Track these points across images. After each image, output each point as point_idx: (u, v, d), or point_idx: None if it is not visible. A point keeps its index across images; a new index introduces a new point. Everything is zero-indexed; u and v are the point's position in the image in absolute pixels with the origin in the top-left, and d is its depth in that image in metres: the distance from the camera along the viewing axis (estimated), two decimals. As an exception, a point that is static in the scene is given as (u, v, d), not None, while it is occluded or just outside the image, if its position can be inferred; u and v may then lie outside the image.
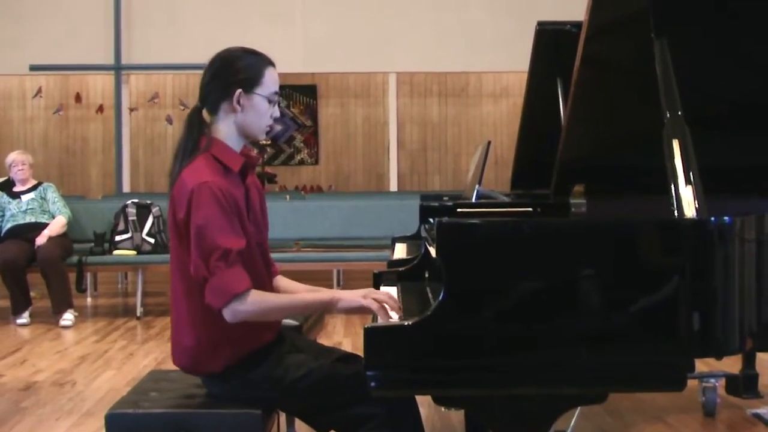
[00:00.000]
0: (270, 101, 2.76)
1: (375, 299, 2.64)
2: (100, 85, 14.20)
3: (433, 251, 2.65)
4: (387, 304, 2.64)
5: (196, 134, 2.74)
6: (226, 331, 2.66)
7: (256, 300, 2.60)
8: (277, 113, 2.81)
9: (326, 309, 2.77)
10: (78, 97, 14.39)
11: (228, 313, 2.58)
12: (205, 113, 2.79)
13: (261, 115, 2.76)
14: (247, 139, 2.81)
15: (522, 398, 2.39)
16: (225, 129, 2.76)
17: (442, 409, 4.37)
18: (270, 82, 2.76)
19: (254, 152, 2.91)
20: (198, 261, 2.57)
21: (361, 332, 2.36)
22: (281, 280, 3.01)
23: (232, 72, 2.73)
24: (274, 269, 3.00)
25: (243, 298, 2.57)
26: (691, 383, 3.11)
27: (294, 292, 2.96)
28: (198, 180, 2.60)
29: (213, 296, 2.57)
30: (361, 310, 2.68)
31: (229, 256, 2.56)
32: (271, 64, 2.79)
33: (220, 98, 2.74)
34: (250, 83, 2.73)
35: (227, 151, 2.74)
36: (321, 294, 2.79)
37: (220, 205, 2.59)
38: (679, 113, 2.63)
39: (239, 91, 2.71)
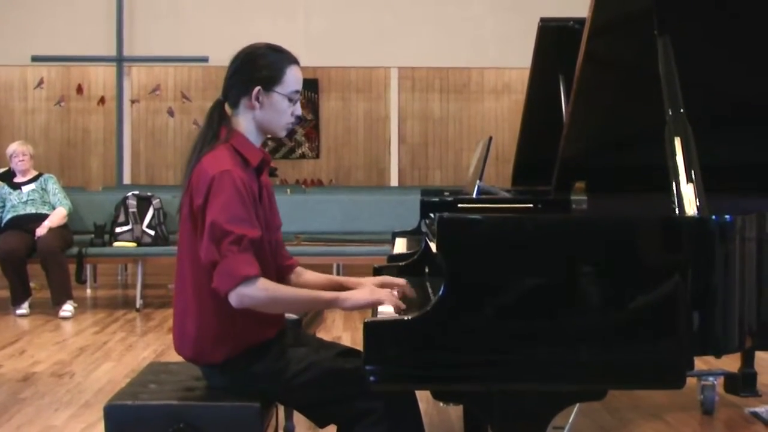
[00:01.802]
0: (290, 100, 2.76)
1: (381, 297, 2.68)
2: (101, 77, 14.20)
3: (433, 246, 2.65)
4: (390, 302, 2.67)
5: (216, 126, 2.76)
6: (231, 322, 2.67)
7: (265, 287, 2.59)
8: (299, 111, 2.80)
9: (333, 307, 2.76)
10: (79, 89, 14.38)
11: (234, 298, 2.56)
12: (227, 107, 2.81)
13: (280, 113, 2.76)
14: (266, 135, 2.83)
15: (521, 394, 2.39)
16: (244, 124, 2.77)
17: (441, 404, 4.37)
18: (291, 80, 2.76)
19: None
20: (209, 245, 2.56)
21: (361, 327, 2.37)
22: (300, 272, 3.03)
23: (254, 69, 2.74)
24: (291, 262, 3.02)
25: (251, 283, 2.55)
26: (690, 381, 3.12)
27: (312, 284, 2.96)
28: (219, 168, 2.61)
29: (221, 279, 2.55)
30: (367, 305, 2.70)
31: (242, 242, 2.55)
32: (294, 62, 2.78)
33: (241, 94, 2.75)
34: (270, 81, 2.73)
35: (247, 145, 2.76)
36: (327, 293, 2.77)
37: (239, 194, 2.59)
38: (682, 111, 2.63)
39: (258, 88, 2.71)
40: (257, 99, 2.73)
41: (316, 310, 3.89)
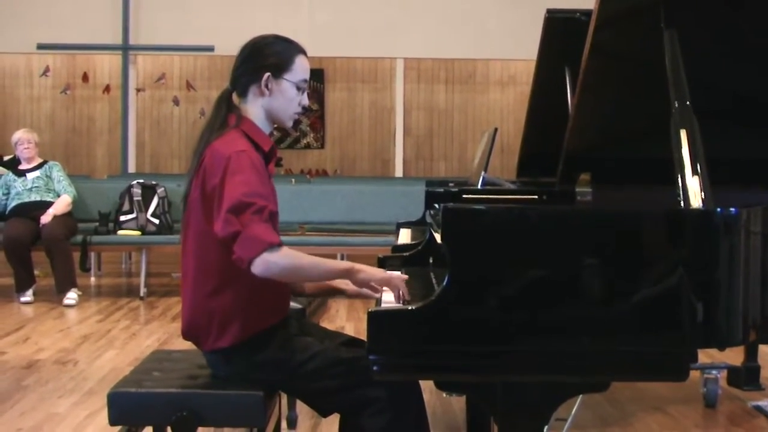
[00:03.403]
0: (299, 88, 2.79)
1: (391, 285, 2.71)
2: (107, 65, 14.19)
3: (438, 237, 2.65)
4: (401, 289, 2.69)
5: (224, 114, 2.78)
6: (236, 308, 2.68)
7: (289, 254, 2.60)
8: (306, 101, 2.83)
9: (346, 277, 2.77)
10: (85, 77, 14.38)
11: (260, 264, 2.54)
12: (234, 97, 2.82)
13: (288, 101, 2.79)
14: (274, 124, 2.85)
15: (524, 385, 2.39)
16: (253, 111, 2.79)
17: (444, 394, 4.38)
18: (300, 69, 2.79)
19: None
20: (229, 217, 2.55)
21: (364, 317, 2.37)
22: None
23: (263, 56, 2.77)
24: None
25: (276, 250, 2.56)
26: (693, 374, 3.13)
27: None
28: (235, 148, 2.63)
29: (245, 247, 2.54)
30: (374, 291, 2.76)
31: (264, 212, 2.57)
32: (302, 52, 2.82)
33: (250, 81, 2.77)
34: (280, 68, 2.76)
35: (257, 130, 2.78)
36: (340, 262, 2.82)
37: (257, 172, 2.62)
38: (688, 104, 2.62)
39: (268, 74, 2.74)
40: (267, 86, 2.75)
41: (320, 299, 3.90)
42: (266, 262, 2.55)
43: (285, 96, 2.78)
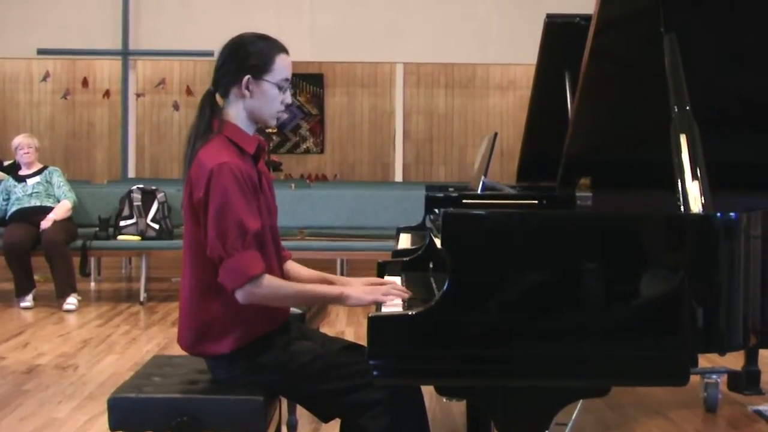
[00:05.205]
0: (280, 87, 2.78)
1: (383, 294, 2.71)
2: (107, 70, 14.19)
3: (438, 242, 2.65)
4: (393, 295, 2.69)
5: (208, 117, 2.77)
6: (237, 312, 2.68)
7: (270, 285, 2.64)
8: (288, 99, 2.82)
9: (335, 303, 2.82)
10: (85, 82, 14.36)
11: (241, 295, 2.61)
12: (218, 97, 2.81)
13: (270, 101, 2.77)
14: (257, 123, 2.83)
15: (524, 390, 2.39)
16: (235, 113, 2.78)
17: (444, 399, 4.38)
18: (280, 68, 2.77)
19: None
20: (214, 241, 2.59)
21: (364, 322, 2.37)
22: (292, 265, 3.04)
23: (243, 58, 2.75)
24: (286, 254, 3.03)
25: (258, 281, 2.60)
26: (693, 379, 3.12)
27: (304, 278, 2.99)
28: (217, 160, 2.63)
29: (228, 278, 2.60)
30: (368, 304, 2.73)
31: (246, 238, 2.59)
32: (283, 50, 2.80)
33: (231, 83, 2.76)
34: (259, 70, 2.74)
35: (241, 133, 2.77)
36: (331, 288, 2.83)
37: (239, 185, 2.62)
38: (687, 108, 2.62)
39: (248, 77, 2.73)
40: (247, 88, 2.74)
41: (320, 305, 3.90)
42: (248, 293, 2.61)
43: (266, 97, 2.76)
